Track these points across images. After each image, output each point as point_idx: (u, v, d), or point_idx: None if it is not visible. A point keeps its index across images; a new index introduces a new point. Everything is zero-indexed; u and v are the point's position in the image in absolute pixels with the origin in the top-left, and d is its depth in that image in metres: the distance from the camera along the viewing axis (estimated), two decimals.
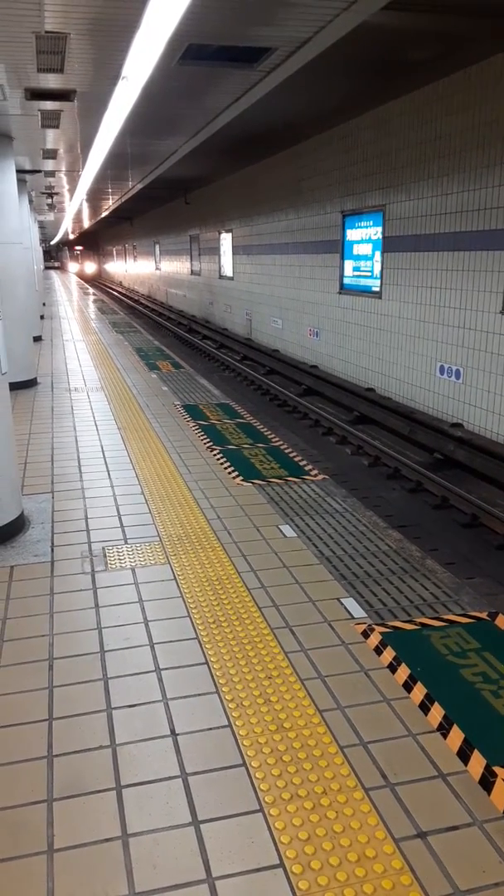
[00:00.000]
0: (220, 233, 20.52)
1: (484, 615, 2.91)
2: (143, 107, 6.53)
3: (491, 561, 5.83)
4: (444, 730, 2.21)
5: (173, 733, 2.21)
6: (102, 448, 5.52)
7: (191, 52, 4.77)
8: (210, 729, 2.22)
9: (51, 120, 6.94)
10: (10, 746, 2.17)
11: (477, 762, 2.06)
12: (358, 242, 11.53)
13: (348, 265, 12.04)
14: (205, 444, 5.60)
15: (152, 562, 3.45)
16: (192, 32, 4.36)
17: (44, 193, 15.59)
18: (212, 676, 2.49)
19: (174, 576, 3.29)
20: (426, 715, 2.28)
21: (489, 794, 1.96)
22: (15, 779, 2.03)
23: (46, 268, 44.08)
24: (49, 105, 6.29)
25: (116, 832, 1.84)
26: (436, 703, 2.32)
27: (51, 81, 5.48)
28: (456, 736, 2.17)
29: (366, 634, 2.76)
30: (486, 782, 2.00)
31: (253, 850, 1.78)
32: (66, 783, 2.01)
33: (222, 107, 6.70)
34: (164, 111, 7.06)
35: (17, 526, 3.82)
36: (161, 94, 6.15)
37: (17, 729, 2.25)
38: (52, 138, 8.18)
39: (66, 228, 34.15)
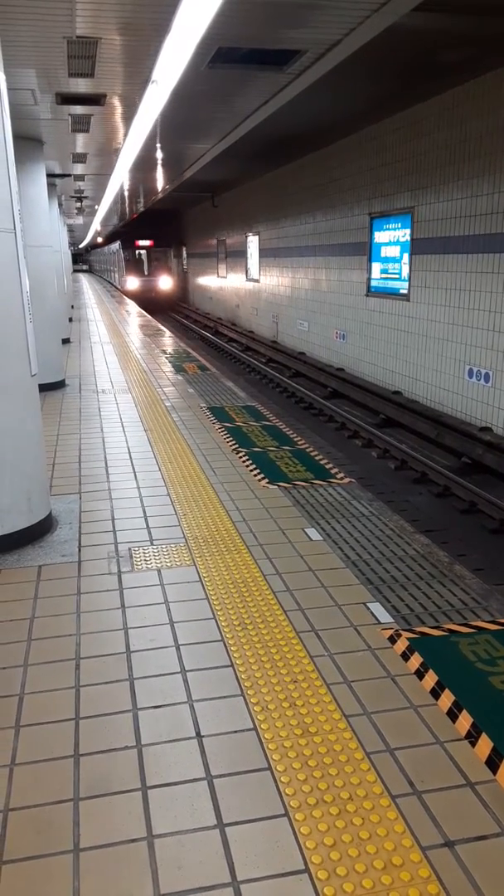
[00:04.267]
0: (246, 235, 20.57)
1: None
2: (172, 110, 6.58)
3: None
4: (472, 738, 2.18)
5: (198, 735, 2.21)
6: (129, 449, 5.56)
7: (220, 56, 4.79)
8: (235, 732, 2.22)
9: (81, 124, 7.02)
10: (38, 745, 2.18)
11: None
12: (386, 245, 11.47)
13: (376, 267, 11.98)
14: (230, 446, 5.60)
15: (178, 563, 3.46)
16: (222, 35, 4.38)
17: (73, 197, 15.75)
18: (237, 679, 2.49)
19: (199, 577, 3.30)
20: (454, 722, 2.25)
21: None
22: (42, 777, 2.05)
23: (75, 271, 43.68)
24: (79, 109, 6.36)
25: (142, 833, 1.85)
26: (464, 711, 2.29)
27: (81, 86, 5.54)
28: (485, 744, 2.14)
29: (392, 640, 2.74)
30: None
31: (278, 855, 1.77)
32: (92, 783, 2.02)
33: (251, 109, 6.72)
34: (193, 114, 7.10)
35: (46, 526, 3.86)
36: (190, 98, 6.19)
37: (44, 728, 2.26)
38: (81, 142, 8.27)
39: (97, 228, 30.67)
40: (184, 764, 2.09)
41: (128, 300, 25.34)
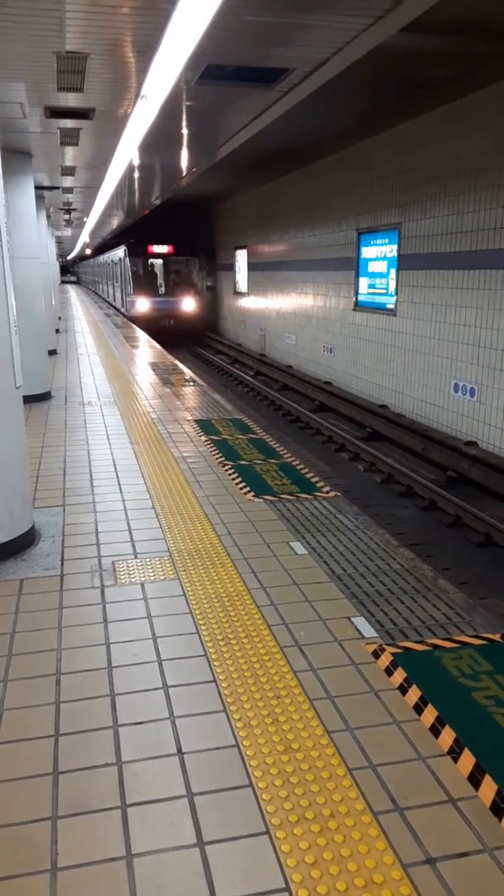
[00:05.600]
0: (235, 249, 20.66)
1: (497, 637, 2.87)
2: (161, 125, 6.62)
3: None
4: (454, 754, 2.17)
5: (180, 752, 2.19)
6: (114, 462, 5.54)
7: (209, 73, 4.83)
8: (217, 748, 2.20)
9: (70, 138, 7.05)
10: (16, 762, 2.15)
11: (488, 788, 2.02)
12: (373, 260, 11.57)
13: (363, 282, 12.07)
14: (217, 459, 5.60)
15: (162, 577, 3.44)
16: (211, 53, 4.42)
17: (62, 209, 15.78)
18: (220, 695, 2.47)
19: (183, 591, 3.28)
20: (437, 738, 2.25)
21: (500, 820, 1.92)
22: (20, 795, 2.02)
23: (63, 282, 42.84)
24: (68, 123, 6.39)
25: (121, 852, 1.82)
26: (447, 727, 2.28)
27: (70, 100, 5.56)
28: (467, 760, 2.14)
29: (376, 655, 2.73)
30: (498, 808, 1.96)
31: (259, 874, 1.75)
32: (71, 800, 2.00)
33: (240, 126, 6.77)
34: (182, 130, 7.14)
35: (28, 539, 3.83)
36: (179, 114, 6.23)
37: (23, 744, 2.23)
38: (70, 156, 8.29)
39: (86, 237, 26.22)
40: (164, 781, 2.06)
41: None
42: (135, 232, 23.39)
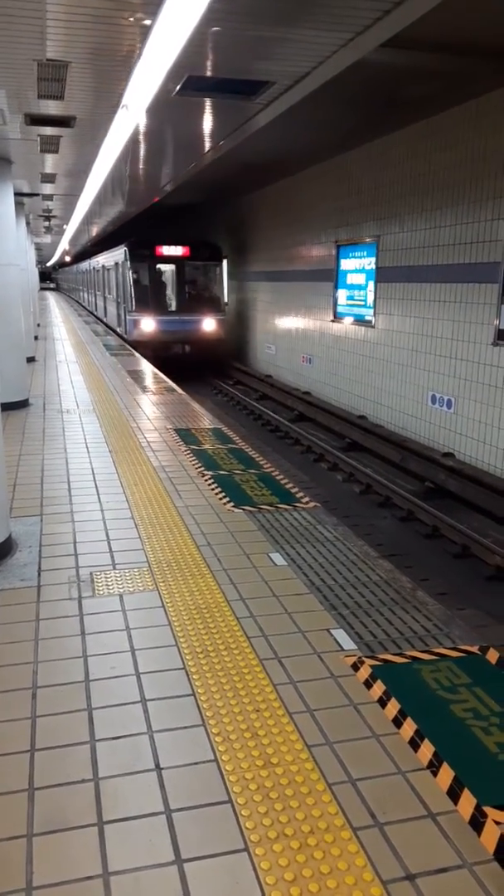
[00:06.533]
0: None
1: (475, 649, 2.88)
2: (142, 135, 6.61)
3: (482, 592, 5.80)
4: (434, 767, 2.17)
5: (158, 767, 2.16)
6: (93, 471, 5.49)
7: (190, 84, 4.84)
8: (196, 763, 2.18)
9: (50, 145, 7.01)
10: None
11: (467, 802, 2.02)
12: (352, 272, 11.65)
13: (342, 294, 12.15)
14: (196, 469, 5.58)
15: (140, 588, 3.41)
16: (192, 65, 4.43)
17: (41, 216, 15.70)
18: (198, 708, 2.45)
19: (162, 603, 3.25)
20: (416, 752, 2.25)
21: (479, 835, 1.92)
22: None
23: (42, 289, 42.17)
24: (49, 131, 6.36)
25: (98, 870, 1.79)
26: (426, 740, 2.28)
27: (51, 108, 5.54)
28: (446, 774, 2.14)
29: (356, 667, 2.73)
30: (477, 823, 1.96)
31: (237, 892, 1.73)
32: (47, 818, 1.96)
33: (221, 137, 6.79)
34: (162, 140, 7.15)
35: (5, 549, 3.78)
36: (160, 123, 6.23)
37: None
38: (50, 163, 8.26)
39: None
40: (142, 797, 2.04)
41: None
42: (135, 230, 19.19)
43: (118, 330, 19.07)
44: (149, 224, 19.63)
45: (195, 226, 22.04)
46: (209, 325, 16.85)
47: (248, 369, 17.29)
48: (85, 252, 30.05)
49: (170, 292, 17.20)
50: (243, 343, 18.27)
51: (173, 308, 17.02)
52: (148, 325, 16.44)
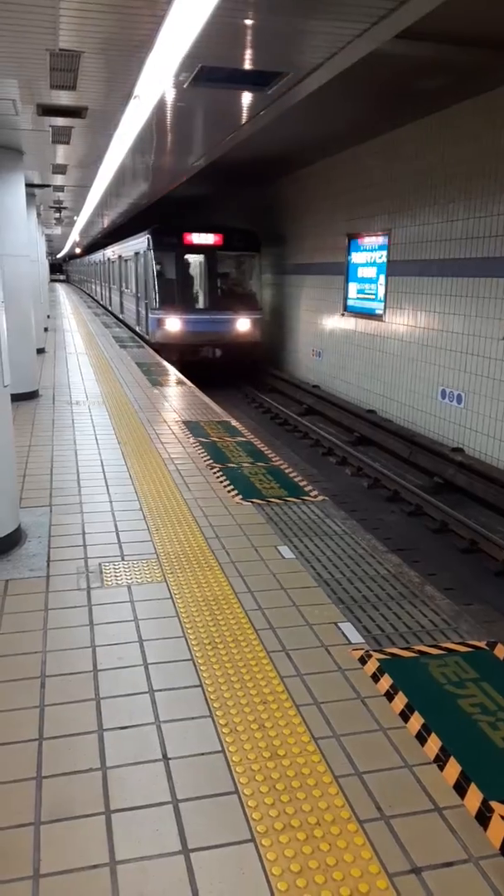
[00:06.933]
0: None
1: (482, 644, 2.88)
2: (153, 125, 6.59)
3: (489, 587, 5.79)
4: (440, 762, 2.17)
5: (165, 757, 2.17)
6: (102, 462, 5.50)
7: (203, 74, 4.82)
8: (203, 754, 2.18)
9: (61, 136, 7.00)
10: None
11: (474, 796, 2.02)
12: (363, 265, 11.60)
13: (353, 288, 12.10)
14: (205, 461, 5.58)
15: (149, 579, 3.42)
16: (205, 55, 4.41)
17: (52, 207, 15.70)
18: (206, 699, 2.46)
19: (170, 594, 3.26)
20: (423, 746, 2.25)
21: (485, 829, 1.92)
22: (3, 800, 1.99)
23: (52, 280, 41.89)
24: (60, 121, 6.35)
25: (104, 859, 1.80)
26: (433, 734, 2.28)
27: (63, 98, 5.53)
28: (453, 768, 2.14)
29: (363, 661, 2.73)
30: (483, 817, 1.95)
31: (243, 882, 1.74)
32: (54, 806, 1.97)
33: (232, 128, 6.76)
34: (174, 131, 7.12)
35: (14, 539, 3.79)
36: (172, 114, 6.21)
37: (5, 749, 2.21)
38: (62, 154, 8.25)
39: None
40: (149, 787, 2.05)
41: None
42: (158, 215, 17.45)
43: (138, 329, 17.28)
44: (160, 215, 18.52)
45: (210, 217, 21.67)
46: (244, 324, 14.94)
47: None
48: (97, 243, 28.37)
49: (199, 286, 15.31)
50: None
51: (203, 305, 15.08)
52: (174, 324, 14.57)
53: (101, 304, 29.25)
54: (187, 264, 15.31)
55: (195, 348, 14.44)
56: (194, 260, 15.23)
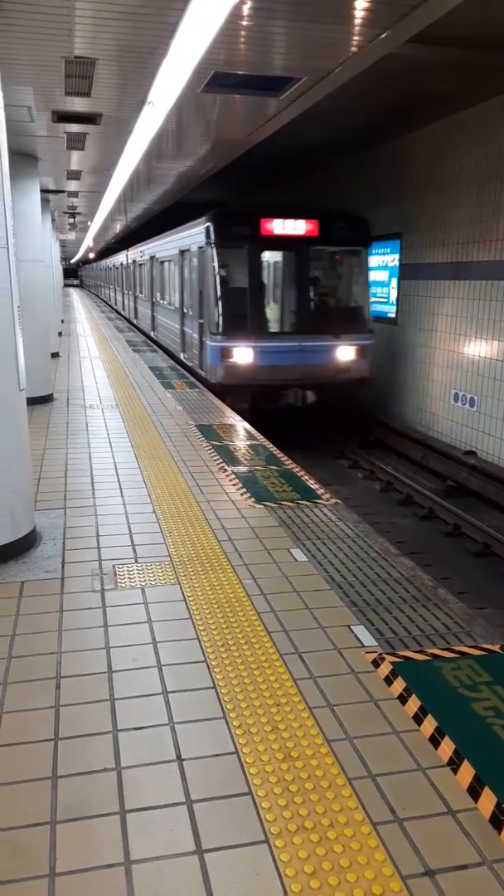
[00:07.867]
0: None
1: (496, 648, 2.87)
2: (167, 131, 6.64)
3: (503, 591, 5.76)
4: (454, 765, 2.17)
5: (179, 758, 2.18)
6: (116, 465, 5.54)
7: (216, 80, 4.85)
8: (216, 755, 2.19)
9: (76, 142, 7.07)
10: (15, 766, 2.15)
11: (488, 800, 2.02)
12: (375, 269, 11.58)
13: None
14: (218, 464, 5.60)
15: (162, 582, 3.44)
16: (218, 61, 4.44)
17: (66, 213, 15.83)
18: (219, 701, 2.47)
19: (184, 597, 3.28)
20: (436, 749, 2.24)
21: (500, 833, 1.91)
22: (19, 799, 2.01)
23: (66, 285, 41.95)
24: (75, 128, 6.41)
25: (119, 858, 1.82)
26: (446, 737, 2.28)
27: (77, 105, 5.59)
28: (466, 772, 2.13)
29: (376, 664, 2.73)
30: (497, 821, 1.95)
31: (257, 883, 1.75)
32: (69, 806, 1.99)
33: (245, 133, 6.79)
34: (187, 136, 7.17)
35: (29, 541, 3.83)
36: (185, 120, 6.25)
37: (22, 748, 2.23)
38: (76, 160, 8.33)
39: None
40: (163, 788, 2.06)
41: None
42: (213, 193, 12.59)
43: (183, 358, 12.25)
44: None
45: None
46: (347, 354, 9.93)
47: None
48: (139, 232, 21.73)
49: (285, 299, 10.34)
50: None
51: (290, 327, 10.14)
52: (245, 355, 9.59)
53: (125, 319, 23.65)
54: (267, 266, 10.42)
55: (276, 391, 9.80)
56: (277, 259, 10.39)
